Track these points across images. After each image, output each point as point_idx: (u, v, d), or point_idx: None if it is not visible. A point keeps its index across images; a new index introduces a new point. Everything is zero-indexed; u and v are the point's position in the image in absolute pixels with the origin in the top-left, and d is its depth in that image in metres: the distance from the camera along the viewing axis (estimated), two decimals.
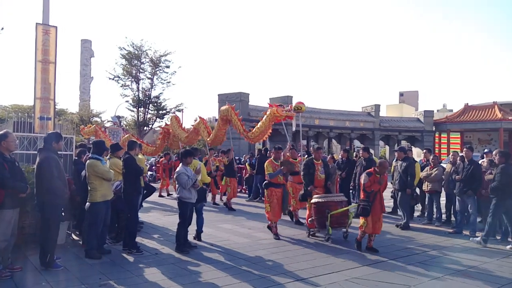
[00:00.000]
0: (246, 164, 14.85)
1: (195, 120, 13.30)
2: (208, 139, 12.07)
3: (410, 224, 9.12)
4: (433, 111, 42.22)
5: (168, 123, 15.72)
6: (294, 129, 9.97)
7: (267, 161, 8.35)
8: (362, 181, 7.04)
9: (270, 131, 9.62)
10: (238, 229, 8.77)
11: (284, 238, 7.87)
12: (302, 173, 8.07)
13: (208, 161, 12.37)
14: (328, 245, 7.30)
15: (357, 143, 39.88)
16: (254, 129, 9.83)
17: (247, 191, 15.36)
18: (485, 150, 11.12)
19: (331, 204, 7.56)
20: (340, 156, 12.49)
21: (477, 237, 7.61)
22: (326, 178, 8.20)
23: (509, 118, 35.46)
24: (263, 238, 7.83)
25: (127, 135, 16.35)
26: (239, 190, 16.14)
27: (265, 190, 8.13)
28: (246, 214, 11.05)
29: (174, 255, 6.49)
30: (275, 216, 8.02)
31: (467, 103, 38.93)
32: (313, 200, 7.74)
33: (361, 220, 6.92)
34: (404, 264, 6.09)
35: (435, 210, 9.60)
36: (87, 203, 6.33)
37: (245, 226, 9.15)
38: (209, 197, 12.42)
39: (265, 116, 9.45)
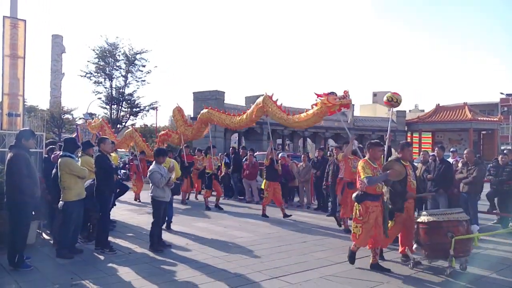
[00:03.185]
0: (222, 163, 14.79)
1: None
2: (190, 134, 11.84)
3: None
4: (405, 111, 43.17)
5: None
6: (349, 120, 9.51)
7: (362, 162, 5.78)
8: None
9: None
10: (214, 227, 8.73)
11: (260, 236, 7.88)
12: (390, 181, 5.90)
13: (209, 160, 11.81)
14: (303, 244, 7.36)
15: (331, 142, 40.35)
16: (298, 116, 8.86)
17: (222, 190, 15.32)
18: (451, 149, 11.48)
19: (454, 224, 5.48)
20: (315, 155, 12.61)
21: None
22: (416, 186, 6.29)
23: (479, 118, 36.68)
24: (238, 237, 7.82)
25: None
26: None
27: (356, 204, 5.70)
28: (221, 212, 11.01)
29: (148, 254, 6.40)
30: (364, 241, 5.70)
31: (438, 104, 40.02)
32: (422, 219, 5.71)
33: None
34: (378, 261, 6.18)
35: None
36: (61, 202, 6.17)
37: (221, 224, 9.12)
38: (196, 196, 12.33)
39: (314, 109, 8.22)
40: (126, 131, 15.76)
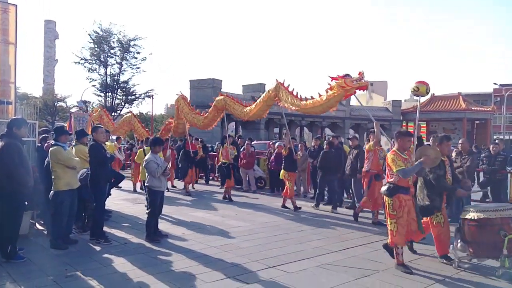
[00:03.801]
0: (219, 151, 14.71)
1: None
2: (200, 123, 11.51)
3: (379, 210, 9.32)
4: (401, 100, 43.25)
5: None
6: (369, 103, 9.15)
7: (391, 154, 5.27)
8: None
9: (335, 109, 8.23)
10: (210, 217, 8.69)
11: (257, 226, 7.85)
12: (430, 176, 5.45)
13: (225, 149, 11.38)
14: (300, 233, 7.34)
15: (328, 131, 40.34)
16: (312, 101, 8.35)
17: (219, 179, 15.27)
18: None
19: (507, 221, 4.97)
20: (312, 144, 12.55)
21: None
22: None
23: (472, 108, 36.82)
24: (235, 226, 7.78)
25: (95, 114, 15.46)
26: (211, 177, 16.04)
27: (387, 199, 5.26)
28: (218, 202, 10.98)
29: (144, 245, 6.35)
30: (402, 237, 5.21)
31: (433, 94, 40.09)
32: (470, 216, 5.12)
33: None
34: (372, 249, 6.21)
35: None
36: (51, 192, 6.09)
37: (218, 214, 9.08)
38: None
39: (329, 92, 7.75)
40: (124, 117, 15.29)
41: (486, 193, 9.82)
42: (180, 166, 13.73)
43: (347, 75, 7.43)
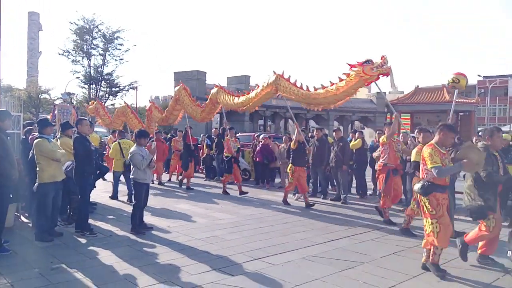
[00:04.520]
0: (204, 144, 14.71)
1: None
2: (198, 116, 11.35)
3: (363, 203, 9.51)
4: (385, 92, 43.56)
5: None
6: (392, 89, 8.16)
7: (428, 147, 4.82)
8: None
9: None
10: (196, 209, 8.72)
11: (242, 218, 7.92)
12: (482, 173, 4.84)
13: (227, 142, 10.92)
14: (285, 225, 7.43)
15: (312, 123, 40.52)
16: (324, 90, 7.74)
17: (204, 171, 15.30)
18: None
19: None
20: None
21: None
22: None
23: (457, 100, 37.31)
24: (220, 218, 7.84)
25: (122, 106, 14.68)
26: (196, 169, 16.01)
27: (422, 198, 4.83)
28: (203, 194, 11.01)
29: (130, 237, 6.37)
30: (446, 238, 4.74)
31: (418, 85, 40.49)
32: None
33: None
34: (357, 241, 6.32)
35: None
36: (35, 184, 6.06)
37: (203, 206, 9.12)
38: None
39: (345, 81, 7.20)
40: (117, 108, 15.04)
41: None
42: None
43: (367, 61, 6.90)
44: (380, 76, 6.94)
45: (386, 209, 7.68)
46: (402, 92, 44.89)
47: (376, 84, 7.19)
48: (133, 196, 6.84)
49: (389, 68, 6.89)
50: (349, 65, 7.10)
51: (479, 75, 49.99)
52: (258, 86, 9.47)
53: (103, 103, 35.53)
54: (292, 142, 9.46)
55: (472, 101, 39.13)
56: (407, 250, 5.90)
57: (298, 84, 8.60)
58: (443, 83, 39.05)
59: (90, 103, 18.10)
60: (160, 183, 12.51)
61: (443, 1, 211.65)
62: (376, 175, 7.93)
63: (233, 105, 10.33)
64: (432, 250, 4.86)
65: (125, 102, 14.81)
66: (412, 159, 6.55)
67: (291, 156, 9.38)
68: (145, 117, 14.54)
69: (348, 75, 7.17)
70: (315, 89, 8.01)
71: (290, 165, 9.35)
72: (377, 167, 9.85)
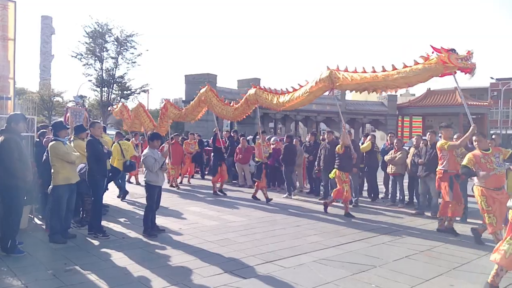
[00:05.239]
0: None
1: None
2: (230, 114, 10.92)
3: (375, 206, 9.46)
4: (396, 95, 43.29)
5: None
6: (459, 92, 7.66)
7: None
8: None
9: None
10: (207, 211, 8.74)
11: (254, 220, 7.92)
12: None
13: (258, 146, 10.43)
14: (296, 228, 7.40)
15: (323, 126, 40.45)
16: (396, 71, 6.98)
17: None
18: (440, 134, 11.48)
19: None
20: (307, 139, 12.60)
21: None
22: None
23: (469, 103, 36.93)
24: (232, 221, 7.85)
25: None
26: (206, 172, 16.04)
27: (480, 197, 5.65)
28: (214, 196, 11.03)
29: (142, 239, 6.40)
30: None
31: (429, 88, 40.29)
32: None
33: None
34: (369, 245, 6.28)
35: (398, 192, 9.91)
36: (50, 186, 6.13)
37: (214, 208, 9.13)
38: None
39: (421, 64, 6.58)
40: (132, 109, 14.75)
41: None
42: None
43: (452, 49, 6.33)
44: (461, 71, 6.38)
45: (453, 218, 7.22)
46: (414, 95, 44.58)
47: (455, 78, 6.60)
48: (145, 199, 6.87)
49: (473, 65, 6.35)
50: (432, 48, 6.42)
51: (492, 78, 49.41)
52: (308, 83, 8.74)
53: (114, 106, 35.98)
54: (339, 146, 8.83)
55: (484, 103, 38.71)
56: (419, 253, 5.85)
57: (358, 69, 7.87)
58: (455, 86, 38.75)
59: (115, 105, 18.13)
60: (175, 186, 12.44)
61: (452, 2, 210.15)
62: (436, 184, 7.54)
63: (277, 104, 9.68)
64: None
65: (139, 101, 14.73)
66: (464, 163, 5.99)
67: (336, 161, 8.78)
68: (157, 119, 14.44)
69: (426, 58, 6.52)
70: (383, 69, 7.26)
71: (336, 171, 8.69)
72: (389, 170, 9.81)
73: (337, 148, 8.87)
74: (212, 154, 11.91)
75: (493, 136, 10.04)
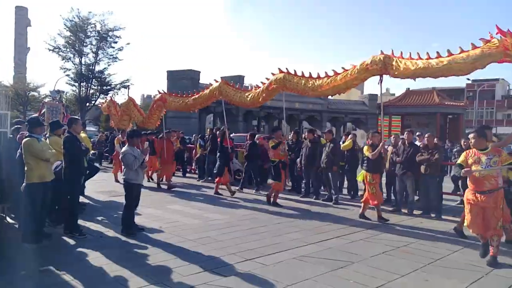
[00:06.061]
0: (197, 144, 14.63)
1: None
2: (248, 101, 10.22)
3: (354, 203, 9.54)
4: (377, 94, 43.81)
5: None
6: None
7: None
8: None
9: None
10: (188, 210, 8.66)
11: (235, 218, 7.88)
12: None
13: (282, 143, 9.73)
14: (278, 225, 7.40)
15: (305, 124, 40.62)
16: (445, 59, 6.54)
17: (196, 171, 15.21)
18: (417, 133, 11.73)
19: None
20: (290, 137, 12.61)
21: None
22: None
23: (446, 103, 37.75)
24: (213, 219, 7.78)
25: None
26: (188, 170, 15.92)
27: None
28: (196, 194, 10.94)
29: (120, 238, 6.28)
30: None
31: (408, 88, 40.89)
32: None
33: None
34: (348, 241, 6.32)
35: None
36: (23, 184, 5.93)
37: (195, 207, 9.05)
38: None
39: (480, 48, 6.07)
40: (122, 103, 14.38)
41: (458, 186, 10.16)
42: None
43: None
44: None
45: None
46: (394, 95, 45.23)
47: None
48: (124, 197, 6.74)
49: None
50: (498, 29, 5.85)
51: (468, 79, 50.15)
52: (354, 66, 7.98)
53: (94, 101, 35.28)
54: (366, 148, 8.26)
55: (460, 104, 39.58)
56: (396, 249, 5.93)
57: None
58: (433, 86, 39.46)
59: (104, 100, 17.59)
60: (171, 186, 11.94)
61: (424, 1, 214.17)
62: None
63: (312, 88, 8.72)
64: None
65: (129, 96, 14.24)
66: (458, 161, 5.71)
67: (365, 162, 8.22)
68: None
69: (488, 41, 5.97)
70: (438, 55, 6.80)
71: (365, 173, 8.16)
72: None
73: (364, 149, 8.32)
74: (218, 154, 11.61)
75: (469, 136, 10.26)
